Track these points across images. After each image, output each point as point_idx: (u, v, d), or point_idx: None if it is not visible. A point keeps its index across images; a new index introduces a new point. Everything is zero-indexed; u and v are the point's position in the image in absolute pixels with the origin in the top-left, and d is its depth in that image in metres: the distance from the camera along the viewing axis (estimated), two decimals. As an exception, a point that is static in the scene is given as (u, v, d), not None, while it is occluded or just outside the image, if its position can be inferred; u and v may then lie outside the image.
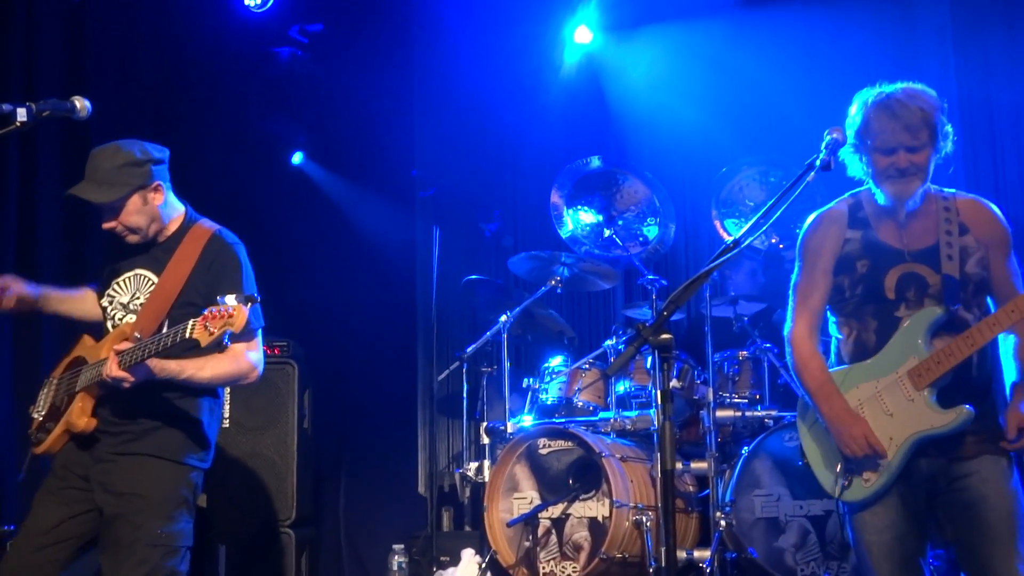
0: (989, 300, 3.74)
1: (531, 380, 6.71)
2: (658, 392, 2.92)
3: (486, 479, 6.27)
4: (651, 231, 6.91)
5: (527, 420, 6.49)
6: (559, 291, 6.78)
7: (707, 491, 5.92)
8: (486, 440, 6.74)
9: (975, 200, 3.80)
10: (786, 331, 3.85)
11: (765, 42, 7.37)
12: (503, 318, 6.63)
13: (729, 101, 7.41)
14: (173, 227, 4.12)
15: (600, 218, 6.94)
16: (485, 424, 6.77)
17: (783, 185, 3.34)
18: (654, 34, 7.71)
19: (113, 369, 3.75)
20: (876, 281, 3.70)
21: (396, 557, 6.26)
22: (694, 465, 6.06)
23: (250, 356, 4.04)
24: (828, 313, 3.85)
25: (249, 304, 3.64)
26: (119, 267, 4.13)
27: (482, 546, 6.26)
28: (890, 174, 3.65)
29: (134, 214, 3.99)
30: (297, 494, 6.60)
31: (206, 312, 3.62)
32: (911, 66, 6.77)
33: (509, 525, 5.92)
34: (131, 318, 4.02)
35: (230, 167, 7.48)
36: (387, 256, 7.88)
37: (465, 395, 7.09)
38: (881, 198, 3.71)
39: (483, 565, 6.13)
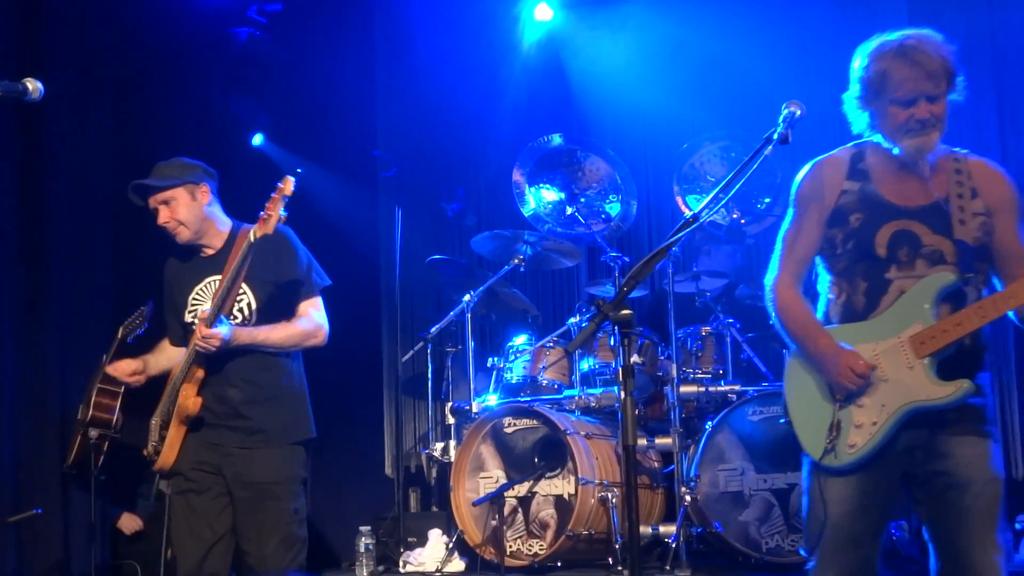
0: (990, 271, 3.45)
1: (496, 359, 6.71)
2: (620, 368, 2.92)
3: (452, 459, 6.28)
4: (613, 208, 6.93)
5: (492, 399, 6.50)
6: (522, 269, 6.78)
7: (672, 467, 5.95)
8: (452, 420, 6.75)
9: (985, 162, 3.50)
10: (768, 280, 3.56)
11: (726, 18, 7.37)
12: (467, 297, 6.63)
13: (690, 77, 7.41)
14: (225, 234, 4.52)
15: (562, 196, 6.96)
16: (450, 404, 6.78)
17: (744, 160, 3.22)
18: (615, 11, 7.71)
19: (201, 329, 4.13)
20: (867, 237, 3.42)
21: (363, 539, 6.25)
22: (659, 441, 6.10)
23: (316, 315, 4.44)
24: (821, 270, 3.57)
25: (292, 177, 4.19)
26: (189, 285, 4.48)
27: (449, 526, 6.26)
28: (910, 127, 3.35)
29: (183, 207, 4.39)
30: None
31: (260, 215, 4.14)
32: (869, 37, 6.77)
33: (475, 504, 5.92)
34: None
35: (190, 149, 7.30)
36: (350, 237, 7.83)
37: (430, 375, 7.09)
38: (897, 152, 3.40)
39: (450, 545, 6.13)
